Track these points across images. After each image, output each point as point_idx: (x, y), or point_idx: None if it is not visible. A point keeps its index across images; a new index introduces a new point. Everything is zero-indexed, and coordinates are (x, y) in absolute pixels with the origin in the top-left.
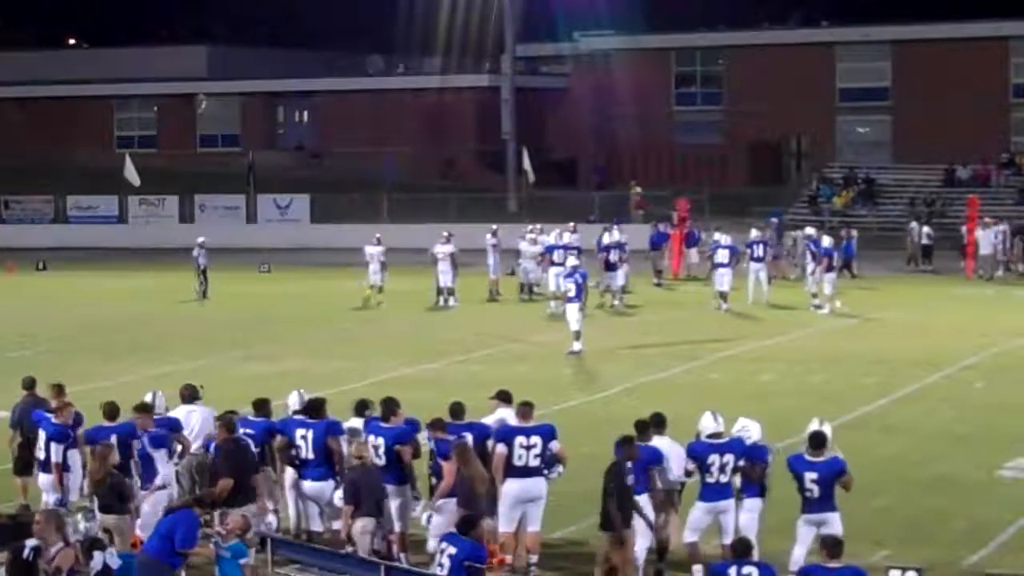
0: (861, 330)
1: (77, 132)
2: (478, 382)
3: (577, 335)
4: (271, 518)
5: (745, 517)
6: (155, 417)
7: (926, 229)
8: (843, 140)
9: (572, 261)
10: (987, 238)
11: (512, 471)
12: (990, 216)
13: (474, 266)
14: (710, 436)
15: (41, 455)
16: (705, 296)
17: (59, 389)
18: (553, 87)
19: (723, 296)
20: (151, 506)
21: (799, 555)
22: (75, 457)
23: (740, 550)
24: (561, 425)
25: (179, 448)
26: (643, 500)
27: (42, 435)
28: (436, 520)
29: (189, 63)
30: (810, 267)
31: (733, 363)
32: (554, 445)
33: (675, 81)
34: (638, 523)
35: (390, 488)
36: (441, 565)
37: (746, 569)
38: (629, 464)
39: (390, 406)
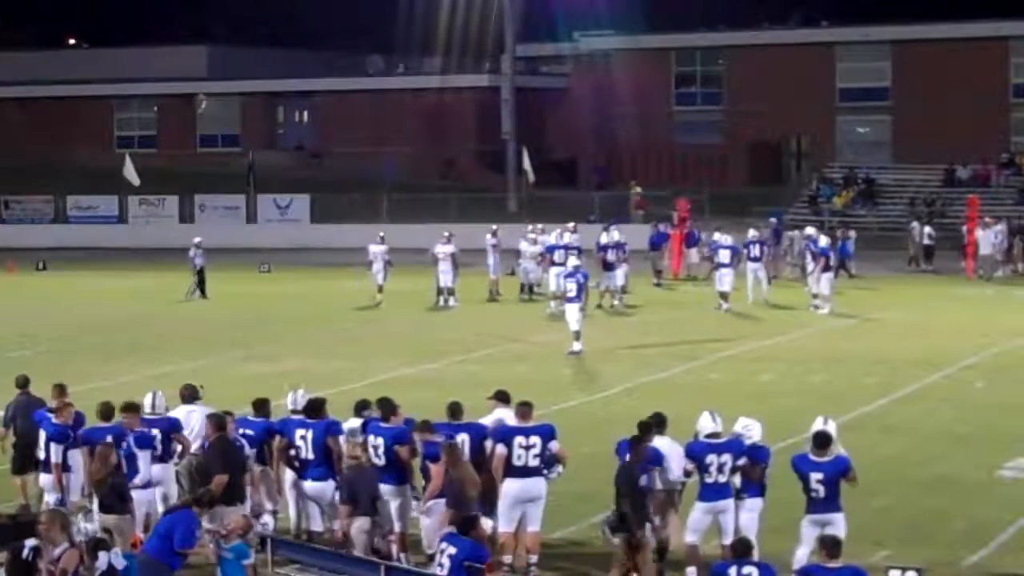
0: (861, 330)
1: (77, 132)
2: (478, 382)
3: (577, 335)
4: (268, 518)
5: (745, 517)
6: (155, 417)
7: (927, 229)
8: (843, 140)
9: (573, 261)
10: (987, 238)
11: (511, 471)
12: (990, 216)
13: (474, 266)
14: (708, 436)
15: (42, 455)
16: (705, 296)
17: (61, 389)
18: (553, 87)
19: (724, 296)
20: (135, 505)
21: (802, 555)
22: (76, 457)
23: (740, 550)
24: (561, 425)
25: (179, 448)
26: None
27: (42, 435)
28: (426, 522)
29: (189, 63)
30: (810, 267)
31: (733, 363)
32: (553, 445)
33: (675, 81)
34: None
35: (390, 488)
36: (441, 565)
37: (746, 569)
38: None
39: (390, 406)
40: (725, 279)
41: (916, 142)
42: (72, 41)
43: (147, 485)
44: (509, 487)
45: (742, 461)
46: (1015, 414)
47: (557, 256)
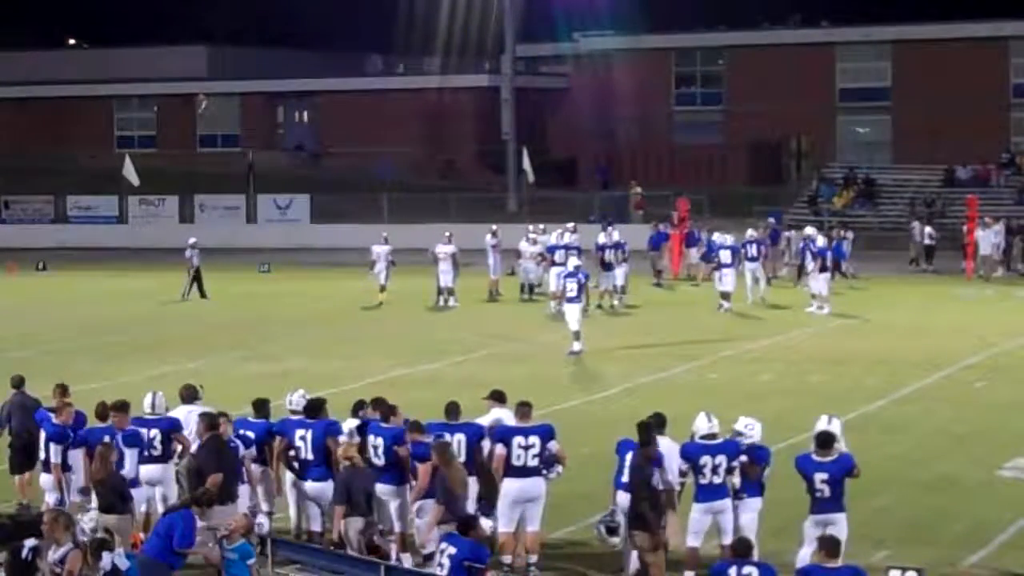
0: (861, 330)
1: (77, 132)
2: (478, 382)
3: (577, 335)
4: (263, 519)
5: (746, 517)
6: (155, 417)
7: (928, 229)
8: (843, 140)
9: (574, 261)
10: (987, 238)
11: (511, 471)
12: (990, 216)
13: (474, 266)
14: (703, 437)
15: (43, 455)
16: (705, 296)
17: (63, 389)
18: (553, 87)
19: (725, 296)
20: None
21: (805, 555)
22: (76, 457)
23: (740, 550)
24: (561, 425)
25: (179, 448)
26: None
27: (42, 435)
28: (417, 521)
29: (189, 63)
30: (810, 267)
31: (733, 363)
32: (552, 445)
33: (675, 81)
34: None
35: (390, 489)
36: (441, 565)
37: (746, 569)
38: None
39: (388, 407)
40: (726, 279)
41: (916, 142)
42: (72, 41)
43: (134, 484)
44: (508, 487)
45: (740, 461)
46: (1015, 414)
47: (558, 256)
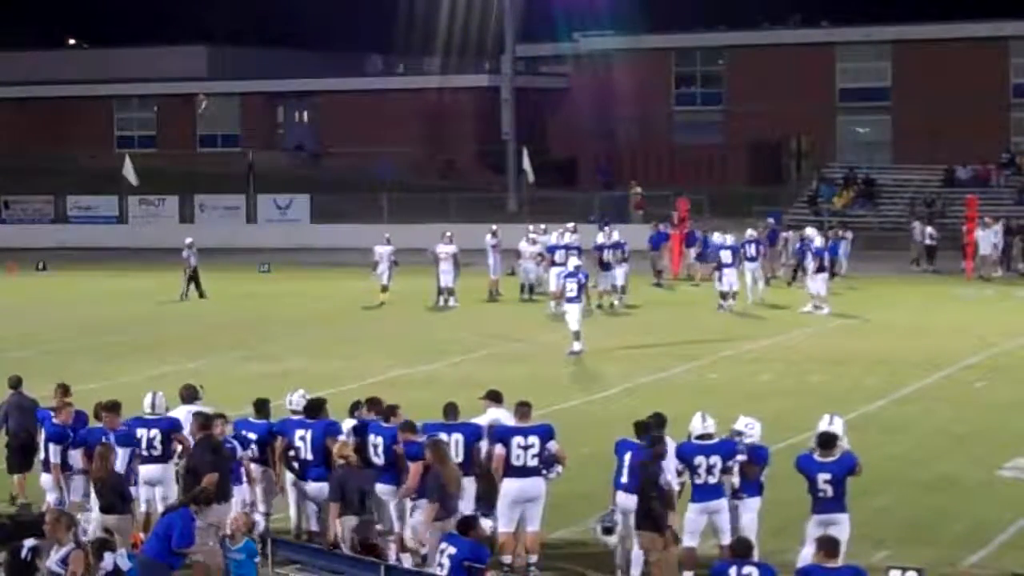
0: (861, 330)
1: (77, 132)
2: (477, 382)
3: (577, 335)
4: (258, 518)
5: (746, 517)
6: (155, 417)
7: (929, 229)
8: (843, 140)
9: (574, 261)
10: (987, 238)
11: (510, 471)
12: (990, 216)
13: (474, 266)
14: (699, 438)
15: (42, 455)
16: (704, 296)
17: (64, 389)
18: (553, 87)
19: (725, 296)
20: None
21: (807, 555)
22: (76, 457)
23: (740, 550)
24: (561, 425)
25: (179, 448)
26: (636, 499)
27: (42, 435)
28: (412, 522)
29: (189, 63)
30: (809, 267)
31: (733, 363)
32: (552, 445)
33: (675, 81)
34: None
35: (390, 488)
36: (441, 565)
37: (746, 569)
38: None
39: (389, 406)
40: (727, 279)
41: (916, 142)
42: (72, 41)
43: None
44: (508, 487)
45: (738, 460)
46: (1015, 414)
47: (558, 256)
